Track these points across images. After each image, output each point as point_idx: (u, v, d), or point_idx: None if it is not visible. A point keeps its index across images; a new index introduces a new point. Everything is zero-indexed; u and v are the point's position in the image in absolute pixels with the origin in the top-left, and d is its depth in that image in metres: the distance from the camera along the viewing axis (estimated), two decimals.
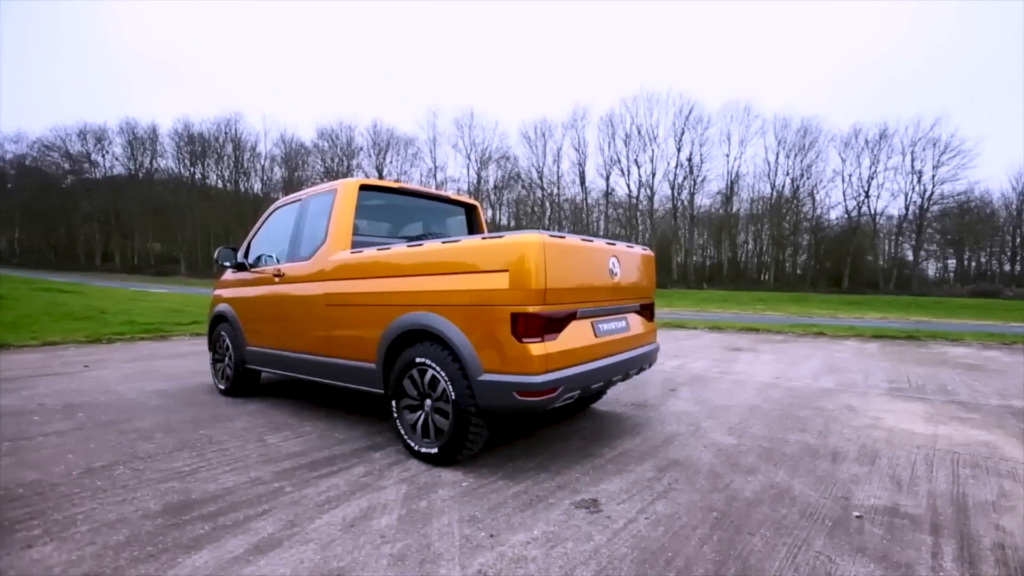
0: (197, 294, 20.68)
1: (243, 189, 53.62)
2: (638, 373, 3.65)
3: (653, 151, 45.82)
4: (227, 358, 4.77)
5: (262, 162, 54.24)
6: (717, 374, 6.01)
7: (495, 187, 51.33)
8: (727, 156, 45.19)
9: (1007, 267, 42.33)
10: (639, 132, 45.93)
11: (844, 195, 43.10)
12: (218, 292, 5.08)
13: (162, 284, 32.75)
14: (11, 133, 60.06)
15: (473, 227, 4.88)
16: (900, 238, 43.48)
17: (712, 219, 48.19)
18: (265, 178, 54.44)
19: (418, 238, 4.05)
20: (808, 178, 43.61)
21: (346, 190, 3.75)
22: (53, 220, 50.85)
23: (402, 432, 3.13)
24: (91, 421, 3.82)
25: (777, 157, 43.93)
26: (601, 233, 50.08)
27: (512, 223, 51.46)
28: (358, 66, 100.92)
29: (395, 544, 2.07)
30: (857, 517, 2.34)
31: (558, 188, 49.66)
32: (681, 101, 48.01)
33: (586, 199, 49.82)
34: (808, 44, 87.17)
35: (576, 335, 2.86)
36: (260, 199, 49.36)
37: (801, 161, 43.24)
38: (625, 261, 3.39)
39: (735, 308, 20.24)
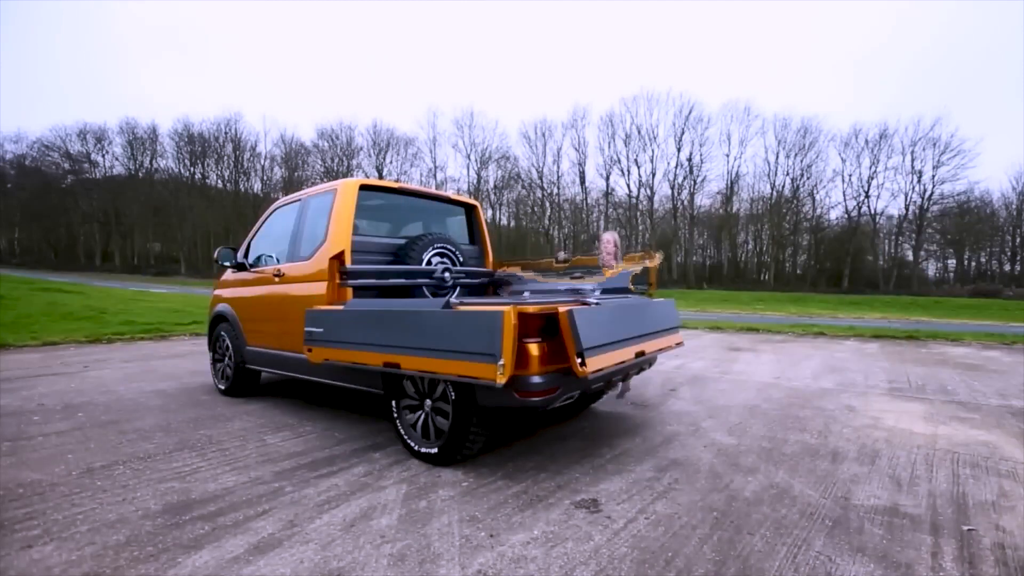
0: (197, 294, 20.68)
1: (243, 189, 53.58)
2: (638, 373, 3.65)
3: (653, 151, 45.86)
4: (227, 358, 4.77)
5: (262, 162, 54.27)
6: (717, 374, 6.00)
7: (495, 187, 51.31)
8: (727, 156, 45.21)
9: (1007, 267, 42.34)
10: (639, 132, 45.95)
11: (844, 195, 43.15)
12: (218, 292, 5.08)
13: (162, 284, 32.74)
14: (11, 133, 60.12)
15: (473, 227, 4.88)
16: (900, 238, 43.49)
17: (712, 219, 48.16)
18: (265, 178, 54.45)
19: (417, 238, 4.05)
20: (808, 178, 43.63)
21: (346, 190, 3.75)
22: (53, 220, 50.81)
23: (402, 432, 3.13)
24: (91, 421, 3.82)
25: (777, 157, 43.96)
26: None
27: (512, 223, 51.46)
28: (358, 66, 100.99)
29: (395, 544, 2.07)
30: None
31: (558, 188, 49.65)
32: (681, 101, 48.00)
33: (586, 199, 49.81)
34: (808, 44, 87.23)
35: None
36: (260, 199, 49.32)
37: (801, 161, 43.25)
38: None
39: (735, 308, 20.24)
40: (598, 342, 2.61)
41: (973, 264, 45.06)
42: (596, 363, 2.57)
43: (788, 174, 43.83)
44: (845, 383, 5.49)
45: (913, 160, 39.93)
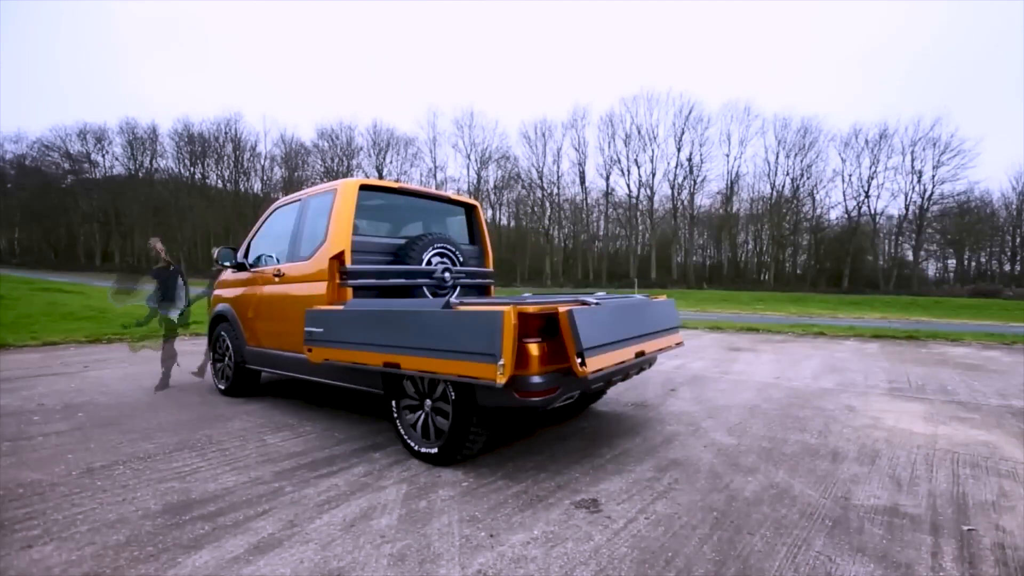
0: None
1: (243, 189, 53.57)
2: (638, 373, 3.65)
3: (653, 151, 45.90)
4: (227, 358, 4.77)
5: (262, 162, 54.25)
6: (717, 374, 6.00)
7: (495, 187, 51.35)
8: (727, 156, 45.25)
9: (1007, 267, 42.34)
10: (639, 132, 45.98)
11: (844, 195, 43.17)
12: (218, 292, 5.08)
13: None
14: (11, 133, 60.05)
15: (473, 227, 4.87)
16: (900, 238, 43.49)
17: (712, 219, 48.18)
18: (265, 178, 54.44)
19: (417, 238, 4.05)
20: (808, 178, 43.64)
21: (346, 190, 3.75)
22: (53, 220, 50.80)
23: (402, 432, 3.13)
24: (91, 421, 3.82)
25: (777, 157, 43.97)
26: (601, 234, 50.09)
27: (512, 223, 51.48)
28: (358, 66, 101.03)
29: (395, 544, 2.07)
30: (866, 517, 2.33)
31: (558, 188, 49.66)
32: (681, 101, 48.16)
33: (586, 199, 49.82)
34: (808, 44, 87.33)
35: None
36: (260, 199, 49.31)
37: (801, 161, 43.27)
38: None
39: (735, 308, 20.24)
40: (598, 342, 2.62)
41: (973, 264, 45.07)
42: (596, 363, 2.57)
43: (788, 174, 43.87)
44: (845, 383, 5.49)
45: (913, 160, 39.99)
